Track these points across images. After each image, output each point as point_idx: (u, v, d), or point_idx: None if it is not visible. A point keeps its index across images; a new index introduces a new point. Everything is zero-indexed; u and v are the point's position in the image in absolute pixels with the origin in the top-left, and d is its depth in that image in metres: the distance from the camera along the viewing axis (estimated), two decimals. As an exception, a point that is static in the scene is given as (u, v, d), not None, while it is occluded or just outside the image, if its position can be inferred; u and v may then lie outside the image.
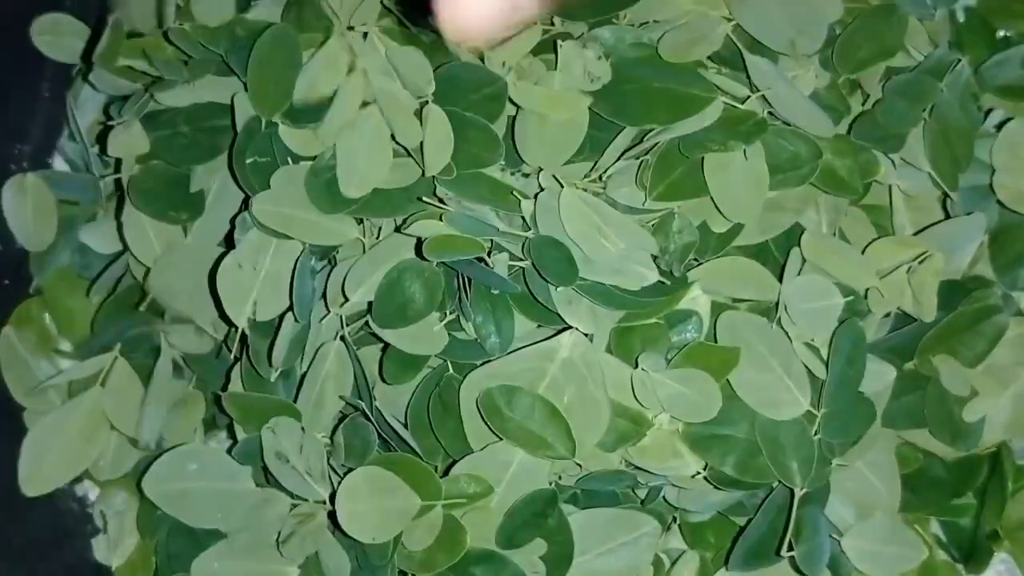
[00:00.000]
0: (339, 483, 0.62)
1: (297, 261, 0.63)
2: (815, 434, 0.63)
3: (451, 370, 0.64)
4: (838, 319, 0.64)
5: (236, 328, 0.64)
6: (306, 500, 0.65)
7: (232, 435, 0.70)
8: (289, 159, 0.64)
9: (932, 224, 0.69)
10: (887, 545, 0.64)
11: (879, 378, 0.65)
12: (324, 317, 0.64)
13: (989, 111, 0.71)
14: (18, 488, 0.70)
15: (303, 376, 0.66)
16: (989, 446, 0.69)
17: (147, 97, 0.68)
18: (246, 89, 0.64)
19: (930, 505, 0.69)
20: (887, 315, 0.67)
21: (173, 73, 0.67)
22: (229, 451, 0.67)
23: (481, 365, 0.63)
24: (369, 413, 0.64)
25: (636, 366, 0.62)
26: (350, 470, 0.62)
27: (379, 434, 0.64)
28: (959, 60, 0.68)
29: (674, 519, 0.68)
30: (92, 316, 0.76)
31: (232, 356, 0.68)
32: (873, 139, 0.67)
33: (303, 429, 0.65)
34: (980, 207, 0.69)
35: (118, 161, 0.71)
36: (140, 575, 0.75)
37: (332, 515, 0.63)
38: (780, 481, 0.63)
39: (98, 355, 0.71)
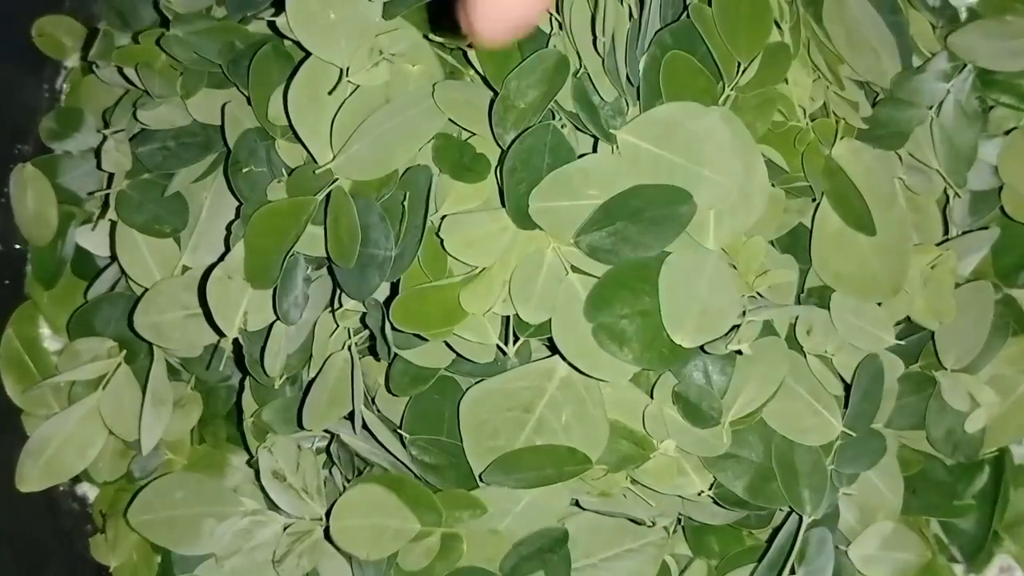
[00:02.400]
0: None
1: (282, 267, 0.61)
2: (830, 464, 0.63)
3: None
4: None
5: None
6: (302, 518, 0.65)
7: (246, 446, 0.70)
8: (284, 170, 0.63)
9: (931, 223, 0.69)
10: (890, 550, 0.65)
11: (888, 371, 0.64)
12: (333, 333, 0.63)
13: (990, 108, 0.71)
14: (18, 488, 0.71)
15: (310, 383, 0.65)
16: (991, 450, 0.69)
17: (134, 111, 0.68)
18: (249, 102, 0.63)
19: (931, 507, 0.69)
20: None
21: (166, 89, 0.66)
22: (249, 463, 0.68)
23: (477, 383, 0.62)
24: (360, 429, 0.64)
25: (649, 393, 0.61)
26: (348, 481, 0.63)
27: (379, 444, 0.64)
28: (965, 64, 0.68)
29: (679, 520, 0.68)
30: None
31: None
32: (878, 138, 0.67)
33: (299, 447, 0.65)
34: (982, 211, 0.70)
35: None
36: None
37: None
38: (790, 507, 0.63)
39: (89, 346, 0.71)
